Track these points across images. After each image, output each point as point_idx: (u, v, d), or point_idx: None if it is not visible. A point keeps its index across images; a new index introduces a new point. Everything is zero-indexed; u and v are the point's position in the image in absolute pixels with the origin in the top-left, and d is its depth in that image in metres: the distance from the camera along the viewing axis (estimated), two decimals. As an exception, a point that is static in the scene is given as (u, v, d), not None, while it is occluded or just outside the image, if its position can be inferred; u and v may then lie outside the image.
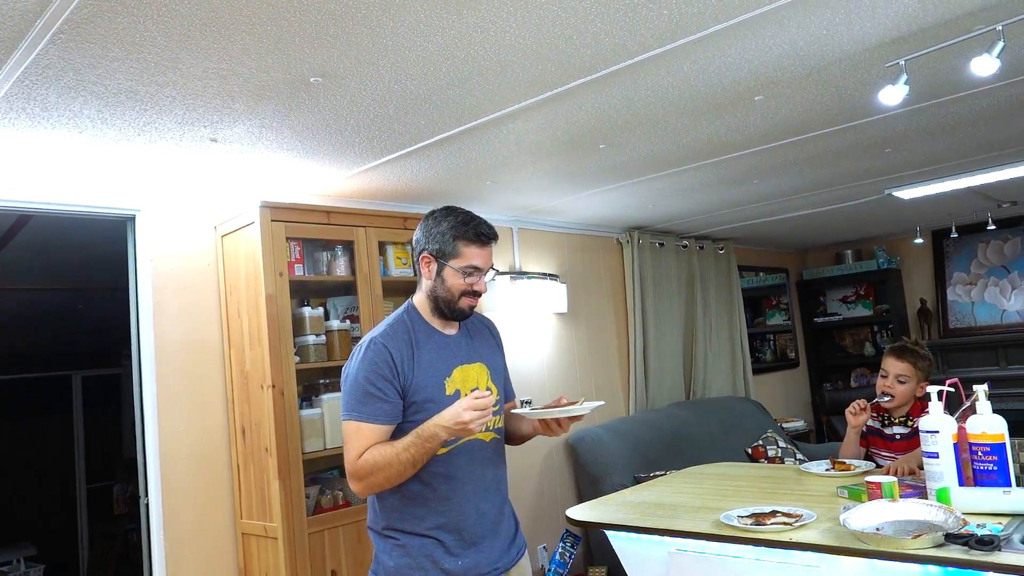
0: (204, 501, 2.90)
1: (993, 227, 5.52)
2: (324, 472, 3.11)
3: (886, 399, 2.65)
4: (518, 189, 3.60)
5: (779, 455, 4.81)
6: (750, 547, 1.80)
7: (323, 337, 3.00)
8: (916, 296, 6.53)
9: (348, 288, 3.16)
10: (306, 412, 2.90)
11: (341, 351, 3.03)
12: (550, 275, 4.36)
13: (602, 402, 2.06)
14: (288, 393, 2.78)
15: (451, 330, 1.96)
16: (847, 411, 2.69)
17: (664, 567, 1.98)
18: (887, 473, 2.26)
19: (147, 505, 2.79)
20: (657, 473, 3.96)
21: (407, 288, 3.45)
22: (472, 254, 1.86)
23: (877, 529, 1.71)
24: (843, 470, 2.45)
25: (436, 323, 1.93)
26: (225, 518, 2.94)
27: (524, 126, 2.67)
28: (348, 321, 3.13)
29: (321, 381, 3.03)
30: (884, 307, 6.60)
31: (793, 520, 1.85)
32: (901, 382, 2.64)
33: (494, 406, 1.81)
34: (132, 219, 2.90)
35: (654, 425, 4.52)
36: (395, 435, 1.81)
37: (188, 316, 2.95)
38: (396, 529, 1.85)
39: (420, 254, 1.90)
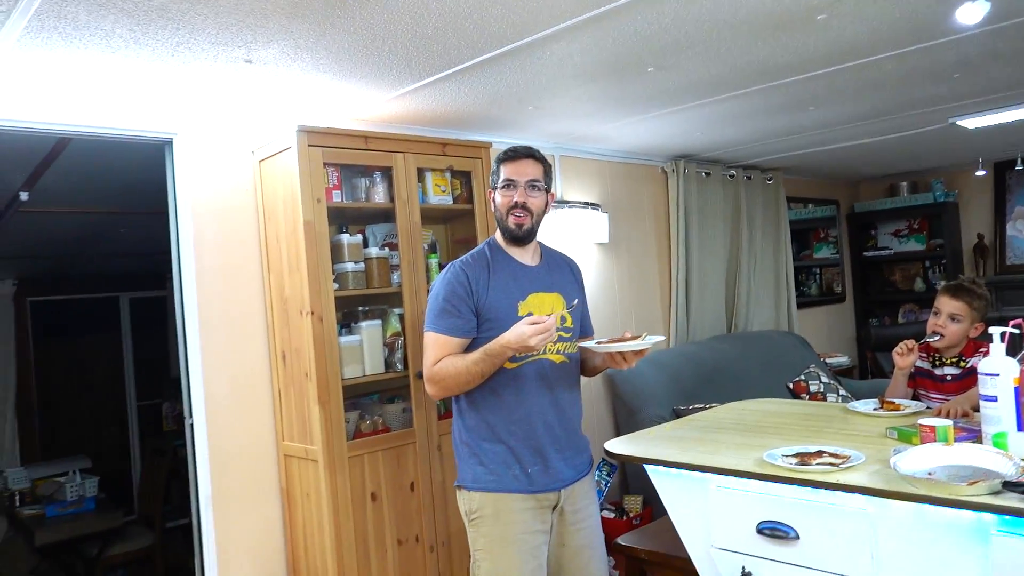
0: (246, 423, 2.95)
1: (1063, 158, 5.21)
2: (364, 397, 3.14)
3: (936, 338, 2.56)
4: (561, 115, 3.47)
5: (821, 391, 4.74)
6: (795, 487, 1.76)
7: (361, 264, 2.98)
8: (973, 231, 6.27)
9: (387, 215, 3.11)
10: (345, 339, 2.90)
11: (379, 278, 3.01)
12: (592, 204, 4.26)
13: (662, 337, 2.16)
14: (327, 320, 2.78)
15: (530, 260, 2.22)
16: (894, 352, 2.61)
17: (704, 504, 1.95)
18: (939, 415, 2.19)
19: (192, 426, 2.86)
20: (696, 406, 3.93)
21: (445, 216, 3.41)
22: (506, 170, 2.15)
23: (929, 474, 1.65)
24: (892, 410, 2.38)
25: (515, 252, 2.20)
26: (267, 440, 3.00)
27: (568, 48, 2.53)
28: (387, 248, 3.09)
29: (360, 308, 3.03)
30: (938, 242, 6.36)
31: (840, 461, 1.79)
32: (954, 321, 2.55)
33: (566, 333, 2.17)
34: (170, 143, 2.87)
35: (694, 358, 4.47)
36: (472, 347, 2.09)
37: (227, 242, 2.95)
38: (474, 439, 2.14)
39: (488, 193, 2.26)
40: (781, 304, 5.59)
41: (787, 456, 1.86)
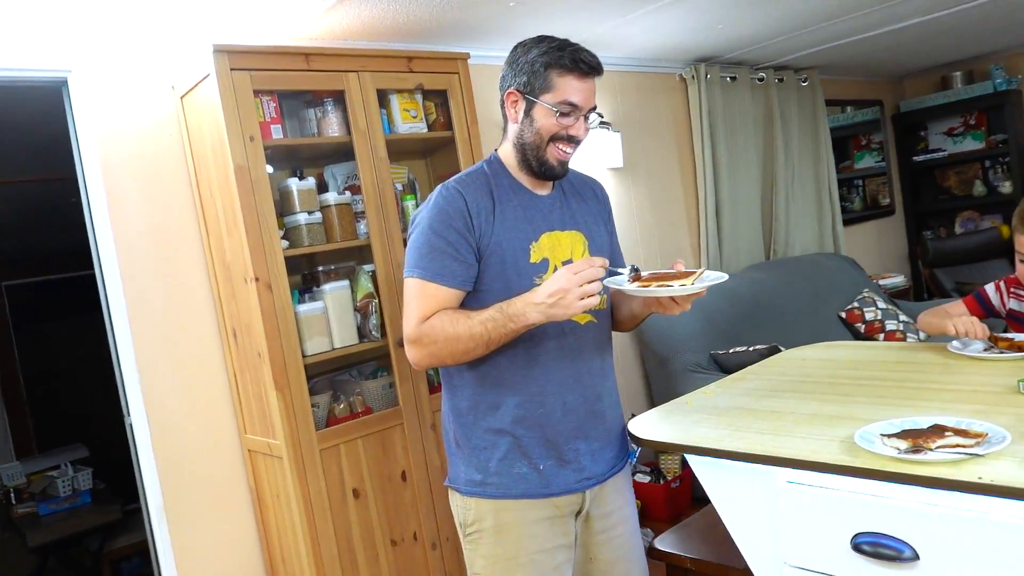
0: (199, 417, 2.46)
1: None
2: (338, 374, 2.62)
3: None
4: (551, 12, 2.83)
5: (879, 318, 4.14)
6: (911, 487, 1.20)
7: (318, 214, 2.42)
8: (1040, 122, 5.50)
9: (347, 152, 2.53)
10: (305, 308, 2.37)
11: (343, 230, 2.46)
12: (601, 123, 3.62)
13: (725, 275, 1.53)
14: (278, 286, 2.24)
15: (543, 190, 1.64)
16: (953, 325, 1.87)
17: (772, 505, 1.41)
18: None
19: (131, 425, 2.37)
20: (737, 349, 3.38)
21: (423, 148, 2.82)
22: (569, 87, 1.51)
23: (1125, 460, 1.08)
24: (1011, 346, 1.79)
25: (524, 179, 1.62)
26: (227, 435, 2.51)
27: (547, -100, 1.90)
28: (348, 193, 2.53)
29: (321, 268, 2.48)
30: (999, 137, 5.60)
31: (974, 442, 1.23)
32: None
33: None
34: (64, 83, 2.30)
35: (730, 292, 3.87)
36: (463, 306, 1.55)
37: (152, 199, 2.41)
38: (469, 427, 1.61)
39: (506, 92, 1.57)
40: (825, 223, 4.94)
41: (889, 437, 1.30)
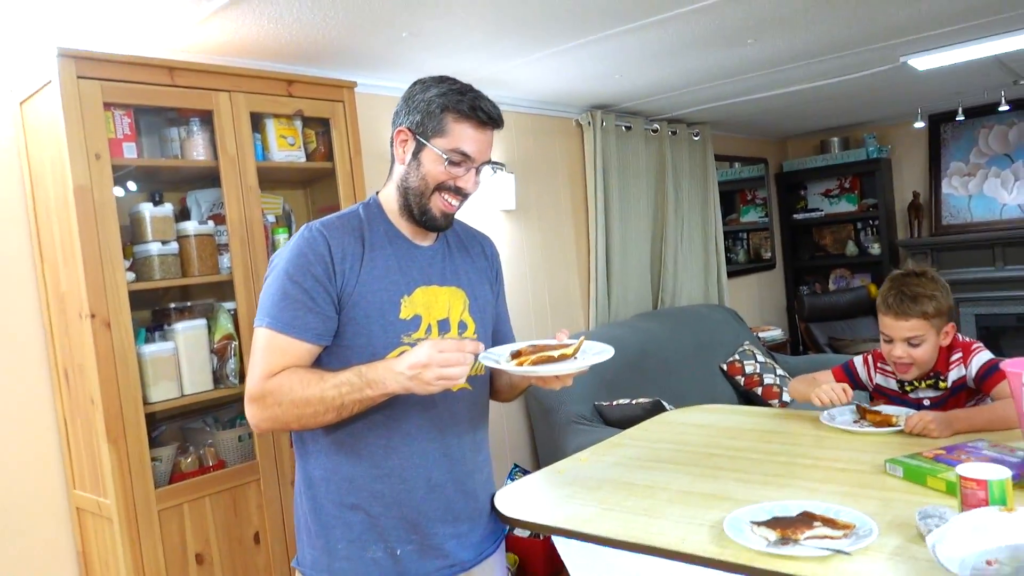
0: (20, 468, 2.15)
1: (1007, 107, 4.81)
2: (190, 421, 2.37)
3: (906, 370, 1.88)
4: (446, 47, 2.73)
5: (758, 371, 4.22)
6: (778, 585, 1.12)
7: (174, 245, 2.19)
8: (907, 189, 5.87)
9: (215, 178, 2.32)
10: (152, 348, 2.12)
11: (202, 263, 2.24)
12: (495, 164, 3.55)
13: (610, 351, 1.42)
14: (118, 324, 2.00)
15: (425, 240, 1.50)
16: (817, 396, 1.88)
17: (637, 594, 1.31)
18: (920, 428, 1.64)
19: (-69, 478, 2.04)
20: (621, 401, 3.33)
21: (302, 178, 2.65)
22: (463, 134, 1.39)
23: (988, 563, 1.04)
24: (879, 422, 1.79)
25: (404, 227, 1.48)
26: (52, 490, 2.20)
27: (438, -67, 1.81)
28: (212, 223, 2.31)
29: (173, 305, 2.25)
30: (871, 201, 5.95)
31: (842, 534, 1.17)
32: (916, 345, 1.84)
33: (475, 363, 1.34)
34: None
35: (617, 341, 3.75)
36: (323, 363, 1.40)
37: (-23, 218, 2.11)
38: (319, 500, 1.44)
39: (396, 129, 1.44)
40: (711, 274, 5.05)
41: (759, 525, 1.23)
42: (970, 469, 1.17)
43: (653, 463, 1.69)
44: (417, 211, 1.44)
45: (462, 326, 1.50)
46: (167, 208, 2.20)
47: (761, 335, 5.11)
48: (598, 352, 1.40)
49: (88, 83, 1.97)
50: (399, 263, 1.45)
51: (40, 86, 2.01)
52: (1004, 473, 1.15)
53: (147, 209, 2.15)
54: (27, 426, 2.17)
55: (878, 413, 1.82)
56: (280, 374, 1.34)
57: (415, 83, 1.46)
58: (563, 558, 1.43)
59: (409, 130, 1.42)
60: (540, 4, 2.38)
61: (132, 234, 2.17)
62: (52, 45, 1.95)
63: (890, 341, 1.88)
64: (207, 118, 2.25)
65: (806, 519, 1.23)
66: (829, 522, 1.22)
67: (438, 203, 1.42)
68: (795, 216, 6.23)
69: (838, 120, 5.65)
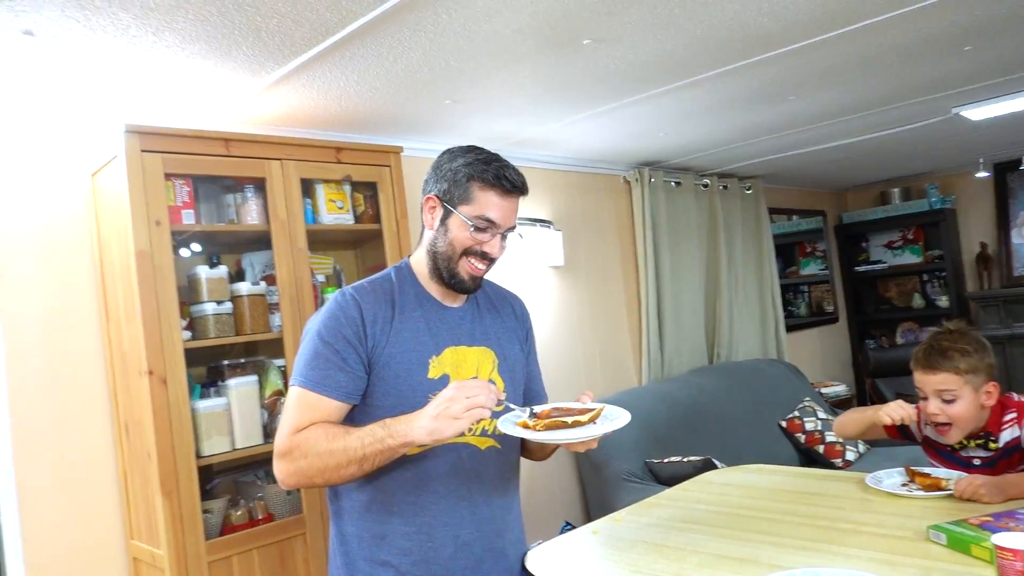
0: (81, 519, 2.25)
1: (1076, 155, 4.65)
2: (242, 474, 2.45)
3: (946, 431, 1.81)
4: (489, 111, 2.83)
5: (819, 428, 4.08)
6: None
7: (228, 305, 2.30)
8: (974, 240, 5.67)
9: (268, 241, 2.44)
10: (205, 404, 2.22)
11: (254, 322, 2.34)
12: (542, 221, 3.62)
13: (627, 416, 1.43)
14: (174, 380, 2.10)
15: (454, 302, 1.56)
16: (887, 412, 1.85)
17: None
18: (970, 493, 1.56)
19: (1, 525, 2.15)
20: (672, 459, 3.27)
21: (351, 239, 2.75)
22: (488, 202, 1.46)
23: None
24: (928, 485, 1.72)
25: (434, 290, 1.54)
26: (112, 540, 2.29)
27: (476, 9, 1.90)
28: (264, 283, 2.42)
29: (227, 362, 2.34)
30: (936, 253, 5.76)
31: (873, 604, 1.13)
32: (949, 401, 1.77)
33: (498, 405, 1.35)
34: (-34, 155, 2.20)
35: (669, 397, 3.81)
36: (353, 420, 1.43)
37: (51, 280, 2.27)
38: (351, 556, 1.47)
39: (425, 196, 1.52)
40: (768, 328, 4.95)
41: (789, 591, 1.19)
42: (1007, 539, 1.12)
43: (688, 525, 1.66)
44: (446, 275, 1.50)
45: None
46: (222, 270, 2.32)
47: (823, 391, 4.95)
48: (613, 419, 1.40)
49: (151, 156, 2.12)
50: (428, 325, 1.49)
51: (108, 160, 2.17)
52: (1045, 542, 1.10)
53: (203, 271, 2.27)
54: (90, 478, 2.28)
55: (928, 476, 1.75)
56: (307, 429, 1.38)
57: (443, 153, 1.54)
58: (590, 621, 1.41)
59: (437, 198, 1.49)
60: (577, 69, 2.45)
61: (189, 294, 2.29)
62: (120, 122, 2.11)
63: (925, 399, 1.83)
64: (261, 185, 2.38)
65: (837, 586, 1.19)
66: (861, 590, 1.17)
67: (466, 267, 1.48)
68: (856, 268, 6.08)
69: (897, 171, 5.54)
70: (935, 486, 1.70)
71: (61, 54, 1.90)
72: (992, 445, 1.79)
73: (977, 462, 1.82)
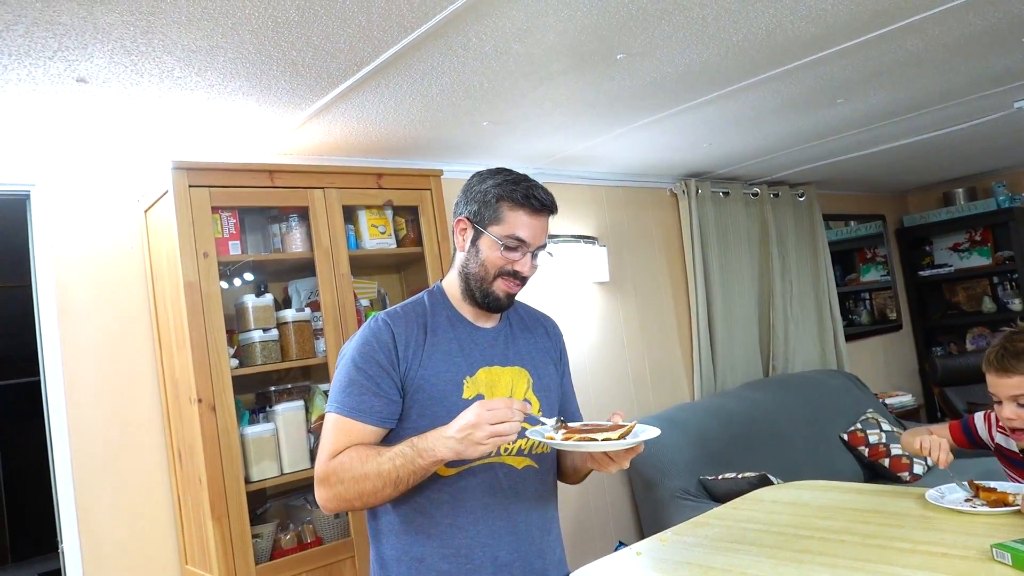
0: (138, 544, 2.32)
1: None
2: (291, 498, 2.48)
3: (1021, 436, 1.73)
4: (528, 130, 2.84)
5: (883, 441, 3.92)
6: None
7: (274, 332, 2.35)
8: (1047, 238, 5.40)
9: (313, 268, 2.49)
10: (253, 429, 2.27)
11: (299, 348, 2.39)
12: (586, 237, 3.60)
13: (657, 431, 1.39)
14: (223, 407, 2.15)
15: (487, 322, 1.57)
16: (919, 440, 1.79)
17: None
18: None
19: (63, 552, 2.23)
20: (727, 476, 3.19)
21: (395, 262, 2.78)
22: (518, 221, 1.47)
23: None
24: (993, 501, 1.62)
25: (467, 311, 1.55)
26: (167, 565, 2.36)
27: (505, 30, 1.91)
28: (308, 309, 2.47)
29: (274, 388, 2.39)
30: (1006, 254, 5.50)
31: (927, 630, 1.07)
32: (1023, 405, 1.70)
33: (524, 421, 1.34)
34: (27, 197, 2.31)
35: (723, 412, 3.72)
36: (389, 442, 1.43)
37: (107, 312, 2.36)
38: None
39: (456, 219, 1.53)
40: (827, 338, 4.80)
41: (837, 616, 1.14)
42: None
43: (736, 545, 1.60)
44: (479, 295, 1.51)
45: (526, 405, 1.51)
46: (268, 298, 2.37)
47: (888, 402, 4.77)
48: (646, 432, 1.37)
49: (198, 191, 2.19)
50: (461, 346, 1.50)
51: (159, 195, 2.26)
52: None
53: (250, 300, 2.33)
54: (147, 503, 2.35)
55: (993, 491, 1.65)
56: (342, 454, 1.39)
57: (473, 176, 1.56)
58: (633, 647, 1.37)
59: (468, 219, 1.51)
60: (613, 84, 2.44)
61: (237, 323, 2.35)
62: (168, 159, 2.19)
63: (999, 403, 1.74)
64: (304, 213, 2.43)
65: (888, 611, 1.13)
66: (914, 615, 1.11)
67: (500, 287, 1.50)
68: (920, 273, 5.84)
69: (960, 170, 5.33)
70: (1001, 501, 1.60)
71: (112, 98, 1.99)
72: None
73: None
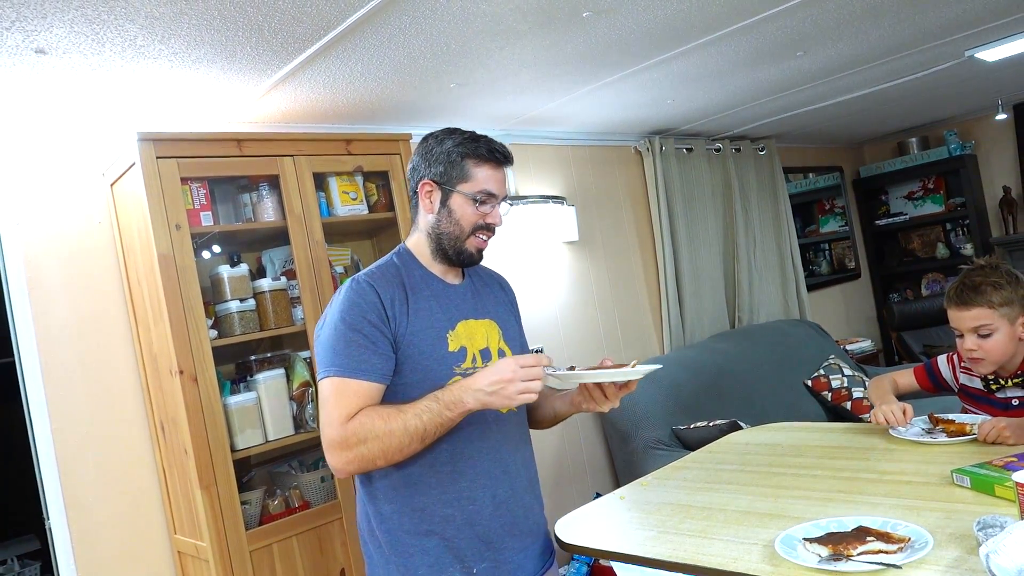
0: (126, 517, 2.33)
1: (1096, 90, 4.54)
2: (276, 466, 2.51)
3: (980, 364, 1.83)
4: (496, 91, 2.84)
5: (845, 386, 4.08)
6: (829, 603, 1.11)
7: (251, 301, 2.35)
8: (997, 185, 5.58)
9: (286, 236, 2.48)
10: (236, 399, 2.28)
11: (277, 316, 2.39)
12: (554, 197, 3.63)
13: (659, 366, 1.57)
14: (205, 378, 2.16)
15: (455, 279, 1.63)
16: (874, 416, 1.86)
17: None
18: (994, 435, 1.57)
19: (50, 528, 2.24)
20: (699, 424, 3.29)
21: (367, 229, 2.79)
22: (485, 176, 1.54)
23: (1049, 571, 1.00)
24: (952, 431, 1.73)
25: (437, 269, 1.60)
26: (157, 536, 2.38)
27: (468, -10, 1.91)
28: (284, 278, 2.47)
29: (254, 357, 2.40)
30: (958, 200, 5.68)
31: (895, 548, 1.15)
32: (985, 335, 1.78)
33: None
34: (-12, 173, 2.26)
35: (692, 364, 3.82)
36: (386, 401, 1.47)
37: (80, 288, 2.33)
38: (393, 533, 1.51)
39: (419, 182, 1.57)
40: (789, 289, 4.93)
41: (812, 542, 1.22)
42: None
43: (714, 485, 1.68)
44: (453, 252, 1.57)
45: (500, 354, 1.60)
46: (243, 268, 2.37)
47: (849, 348, 4.94)
48: (647, 367, 1.48)
49: (166, 162, 2.16)
50: (439, 303, 1.56)
51: (126, 168, 2.22)
52: (1064, 477, 1.11)
53: (225, 271, 2.32)
54: (131, 477, 2.36)
55: (952, 422, 1.76)
56: (358, 415, 1.41)
57: (426, 139, 1.60)
58: (621, 582, 1.45)
59: (434, 181, 1.55)
60: (579, 42, 2.45)
61: (213, 294, 2.34)
62: (133, 130, 2.16)
63: (961, 336, 1.84)
64: (275, 182, 2.41)
65: (860, 534, 1.21)
66: (884, 536, 1.20)
67: (474, 242, 1.57)
68: (877, 223, 6.01)
69: (914, 120, 5.46)
70: (959, 431, 1.71)
71: (73, 69, 1.94)
72: None
73: (1016, 403, 1.83)
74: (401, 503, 1.51)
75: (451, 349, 1.52)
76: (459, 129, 1.58)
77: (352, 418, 1.41)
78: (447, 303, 1.57)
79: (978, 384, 1.91)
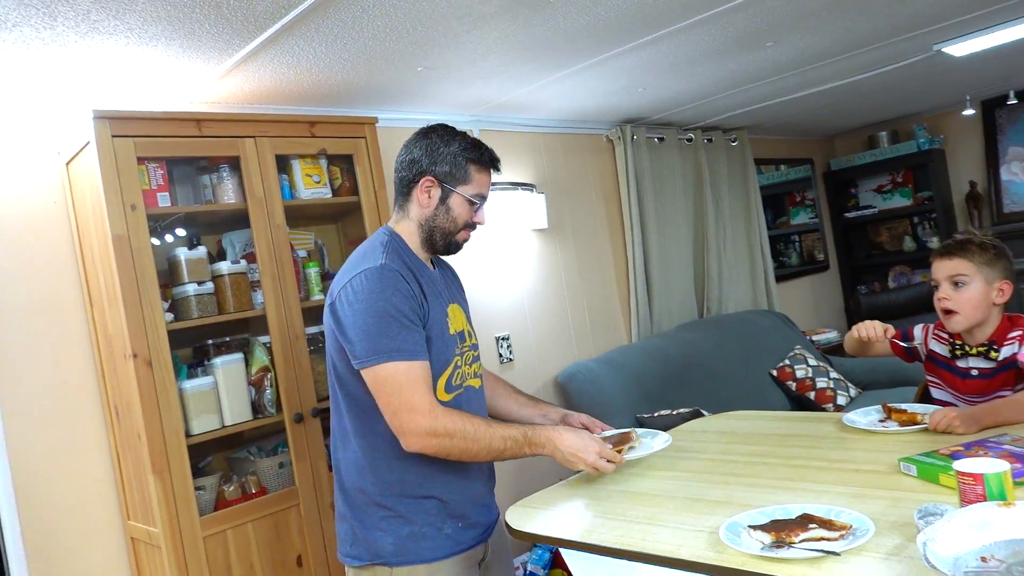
0: (78, 502, 2.29)
1: (1061, 87, 4.61)
2: (234, 451, 2.48)
3: (951, 319, 1.87)
4: (464, 76, 2.81)
5: (810, 375, 4.12)
6: (769, 588, 1.12)
7: (209, 285, 2.32)
8: (964, 179, 5.66)
9: (247, 219, 2.44)
10: (192, 383, 2.24)
11: (236, 300, 2.36)
12: (524, 184, 3.61)
13: (668, 438, 1.83)
14: (160, 362, 2.12)
15: (431, 267, 1.76)
16: (856, 328, 2.01)
17: (639, 602, 1.32)
18: (944, 425, 1.60)
19: (0, 516, 2.19)
20: (662, 413, 3.31)
21: (331, 213, 2.76)
22: (482, 181, 1.71)
23: (983, 559, 1.02)
24: (904, 421, 1.75)
25: (423, 257, 1.73)
26: (109, 522, 2.34)
27: (430, -29, 1.88)
28: (244, 261, 2.43)
29: (212, 342, 2.37)
30: (926, 194, 5.75)
31: (837, 536, 1.16)
32: (960, 286, 1.84)
33: (475, 350, 1.78)
34: (-64, 149, 2.19)
35: (659, 353, 3.83)
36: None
37: (32, 270, 2.28)
38: (394, 496, 1.61)
39: (420, 176, 1.67)
40: (758, 279, 4.96)
41: (756, 529, 1.23)
42: (967, 464, 1.14)
43: (668, 472, 1.69)
44: (442, 244, 1.71)
45: (469, 336, 1.77)
46: (201, 251, 2.33)
47: (815, 338, 4.99)
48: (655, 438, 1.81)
49: (122, 141, 2.11)
50: (434, 287, 1.69)
51: (81, 147, 2.17)
52: (1001, 467, 1.12)
53: (182, 253, 2.28)
54: (84, 461, 2.32)
55: (904, 412, 1.78)
56: (450, 412, 1.53)
57: (431, 135, 1.68)
58: (571, 569, 1.45)
59: (436, 179, 1.66)
60: (547, 28, 2.43)
61: (170, 277, 2.30)
62: (89, 108, 2.10)
63: (937, 286, 1.91)
64: (235, 164, 2.37)
65: (803, 521, 1.22)
66: (826, 524, 1.21)
67: (462, 237, 1.73)
68: (847, 215, 6.07)
69: (884, 114, 5.51)
70: (911, 421, 1.73)
71: (23, 43, 1.89)
72: (993, 355, 1.83)
73: (975, 372, 1.87)
74: (403, 471, 1.60)
75: (451, 332, 1.67)
76: (457, 129, 1.70)
77: (445, 411, 1.53)
78: (438, 288, 1.71)
79: (945, 351, 1.95)
